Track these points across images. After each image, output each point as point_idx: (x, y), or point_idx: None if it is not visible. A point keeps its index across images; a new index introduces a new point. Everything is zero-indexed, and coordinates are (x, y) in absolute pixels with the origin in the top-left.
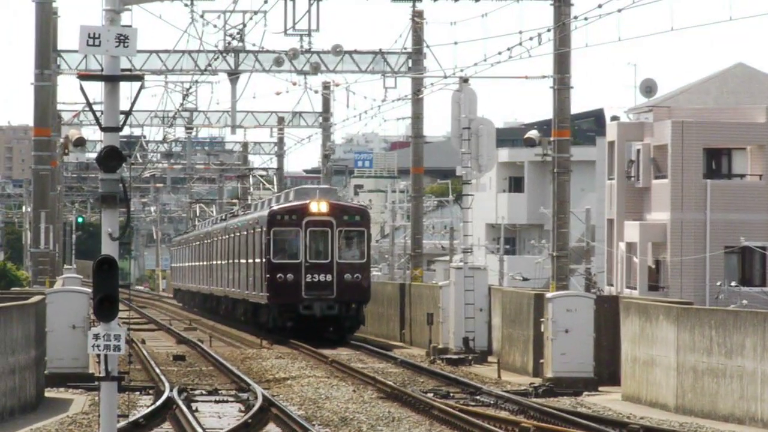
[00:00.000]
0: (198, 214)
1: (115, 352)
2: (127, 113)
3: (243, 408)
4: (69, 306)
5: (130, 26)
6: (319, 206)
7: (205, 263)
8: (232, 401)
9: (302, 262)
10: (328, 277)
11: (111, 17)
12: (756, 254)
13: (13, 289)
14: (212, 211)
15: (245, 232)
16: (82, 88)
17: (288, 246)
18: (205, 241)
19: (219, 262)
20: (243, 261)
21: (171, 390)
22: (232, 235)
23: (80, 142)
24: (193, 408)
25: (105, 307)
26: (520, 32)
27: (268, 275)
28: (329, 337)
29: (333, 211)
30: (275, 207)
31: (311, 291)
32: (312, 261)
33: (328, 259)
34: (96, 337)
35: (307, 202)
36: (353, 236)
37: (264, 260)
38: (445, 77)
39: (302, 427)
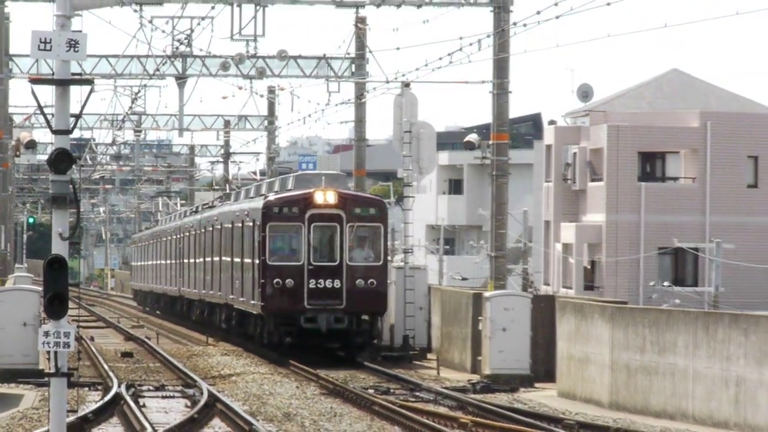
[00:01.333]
0: (160, 209)
1: (65, 349)
2: (77, 116)
3: (189, 403)
4: (20, 304)
5: (80, 31)
6: (325, 196)
7: (174, 262)
8: (178, 397)
9: (305, 264)
10: (337, 283)
11: (62, 22)
12: (689, 255)
13: None
14: (176, 205)
15: (230, 226)
16: (33, 92)
17: (287, 244)
18: (175, 237)
19: (192, 260)
20: (226, 259)
21: (119, 386)
22: (211, 228)
23: (31, 145)
24: (141, 403)
25: (55, 305)
26: (461, 38)
27: (262, 280)
28: (335, 354)
29: (342, 203)
30: (271, 197)
31: (315, 300)
32: (317, 263)
33: (336, 261)
34: (46, 334)
35: (311, 191)
36: (367, 233)
37: (258, 261)
38: (387, 82)
39: (246, 422)
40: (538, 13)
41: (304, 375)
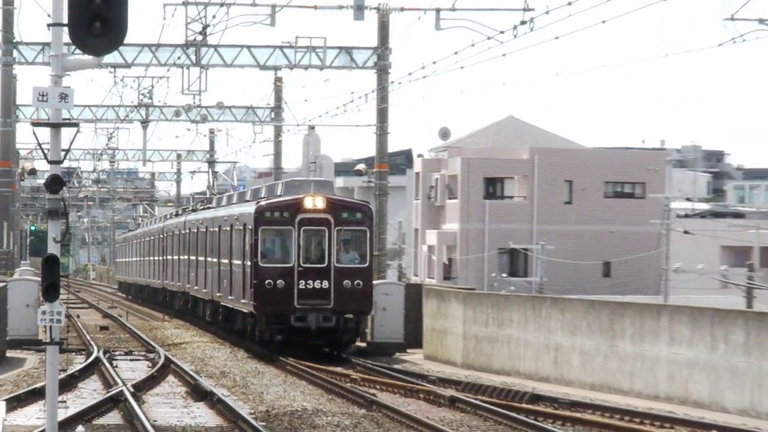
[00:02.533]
0: (141, 214)
1: (57, 324)
2: (67, 150)
3: (150, 364)
4: (24, 291)
5: (69, 87)
6: (314, 202)
7: (158, 258)
8: (142, 359)
9: (295, 266)
10: (325, 284)
11: (55, 80)
12: (520, 254)
13: None
14: (153, 211)
15: (216, 229)
16: (34, 132)
17: (278, 247)
18: (158, 237)
19: (176, 257)
20: (212, 260)
21: (98, 351)
22: (195, 231)
23: (33, 172)
24: (114, 365)
25: (50, 291)
26: (352, 92)
27: (255, 281)
28: (323, 351)
29: (331, 208)
30: (263, 202)
31: (305, 300)
32: (306, 265)
33: (324, 264)
34: (44, 312)
35: (301, 196)
36: (354, 237)
37: (250, 263)
38: (298, 125)
39: (192, 378)
40: (410, 74)
41: (235, 344)
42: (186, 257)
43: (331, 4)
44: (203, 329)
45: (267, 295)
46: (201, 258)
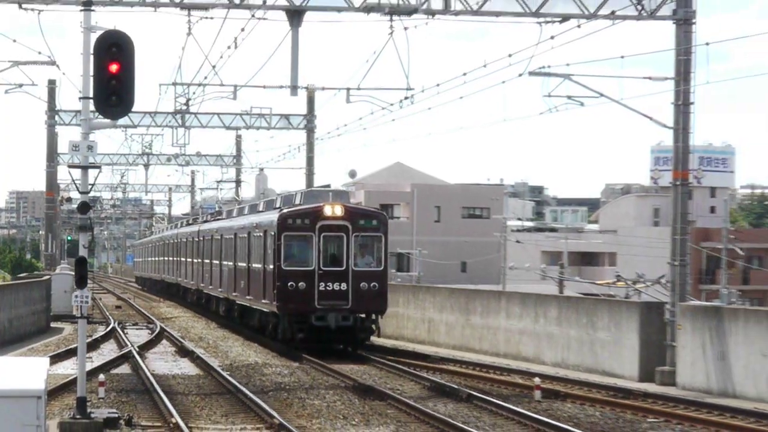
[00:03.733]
0: (153, 225)
1: (85, 304)
2: (92, 185)
3: (150, 333)
4: (63, 281)
5: (94, 141)
6: (333, 210)
7: (172, 259)
8: (144, 329)
9: (315, 269)
10: (343, 286)
11: (84, 136)
12: (404, 256)
13: (35, 272)
14: (165, 224)
15: (231, 236)
16: (70, 172)
17: (300, 252)
18: (172, 242)
19: (190, 259)
20: (228, 263)
21: (114, 323)
22: (209, 237)
23: (69, 200)
24: (125, 332)
25: (81, 281)
26: (289, 145)
27: (278, 283)
28: (340, 348)
29: (349, 215)
30: (285, 210)
31: (325, 301)
32: (326, 268)
33: (343, 267)
34: (76, 296)
35: (321, 205)
36: (370, 242)
37: (272, 267)
38: (252, 167)
39: (179, 340)
40: (329, 133)
41: (209, 317)
42: (199, 260)
43: (274, 84)
44: (187, 308)
45: (289, 296)
46: (215, 261)
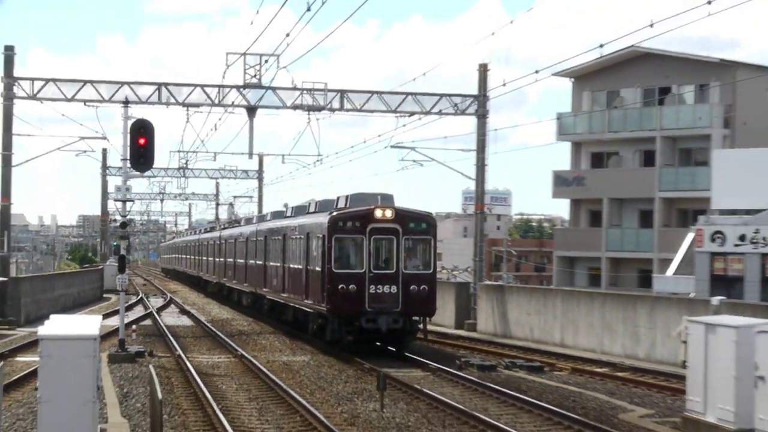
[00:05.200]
0: (176, 229)
1: (123, 283)
2: (128, 211)
3: (164, 301)
4: (111, 269)
5: (129, 185)
6: (384, 212)
7: (193, 257)
8: (160, 298)
9: (366, 272)
10: (393, 289)
11: (123, 180)
12: None
13: (94, 264)
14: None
15: (262, 238)
16: (115, 203)
17: (350, 254)
18: (195, 244)
19: (212, 258)
20: (256, 262)
21: (142, 294)
22: (233, 241)
23: (114, 221)
24: (149, 300)
25: (121, 269)
26: (247, 188)
27: (328, 285)
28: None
29: (399, 218)
30: (336, 213)
31: (375, 303)
32: (376, 271)
33: (393, 270)
34: (118, 278)
35: (372, 207)
36: (419, 245)
37: (323, 269)
38: (225, 202)
39: (182, 306)
40: (272, 181)
41: (199, 291)
42: (221, 258)
43: (238, 152)
44: (187, 286)
45: (340, 298)
46: (240, 260)
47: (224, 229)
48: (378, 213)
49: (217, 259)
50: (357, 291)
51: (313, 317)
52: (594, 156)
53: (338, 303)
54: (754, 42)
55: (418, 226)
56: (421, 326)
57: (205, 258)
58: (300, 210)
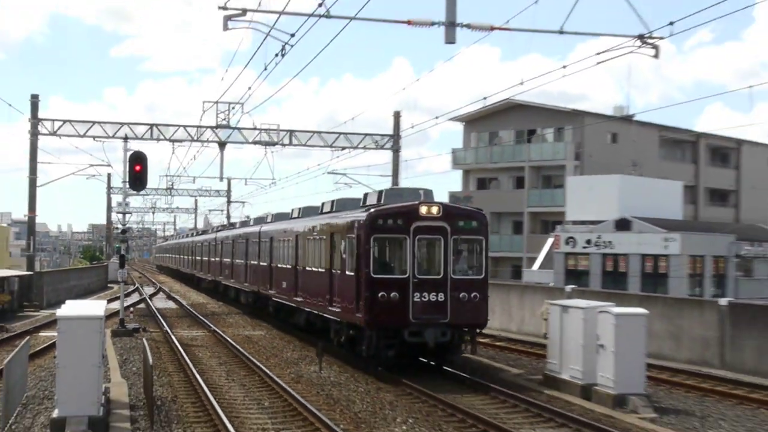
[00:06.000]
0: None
1: (123, 275)
2: (127, 222)
3: (154, 289)
4: (113, 265)
5: (128, 201)
6: (430, 209)
7: (188, 257)
8: (151, 287)
9: (410, 277)
10: (441, 297)
11: (123, 197)
12: None
13: (100, 261)
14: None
15: (281, 240)
16: (117, 215)
17: (391, 257)
18: (188, 245)
19: (207, 258)
20: (257, 263)
21: (137, 285)
22: (230, 242)
23: (116, 228)
24: (143, 288)
25: (122, 265)
26: (219, 205)
27: (366, 293)
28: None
29: (447, 216)
30: (374, 210)
31: (420, 313)
32: (421, 276)
33: (440, 275)
34: (120, 272)
35: (416, 203)
36: (469, 246)
37: (359, 274)
38: (203, 213)
39: (169, 293)
40: (237, 201)
41: (187, 282)
42: (215, 258)
43: (212, 176)
44: (173, 278)
45: (380, 308)
46: (239, 261)
47: (219, 230)
48: (423, 209)
49: (212, 259)
50: (400, 299)
51: (339, 328)
52: (479, 181)
53: (378, 313)
54: (598, 96)
55: (468, 225)
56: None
57: (200, 258)
58: (310, 211)
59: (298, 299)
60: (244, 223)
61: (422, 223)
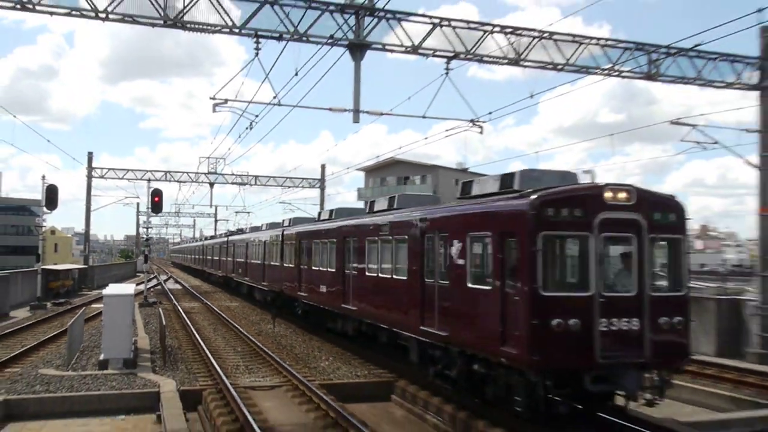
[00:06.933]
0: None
1: (146, 266)
2: (149, 234)
3: (167, 277)
4: (140, 261)
5: (150, 221)
6: (617, 194)
7: (200, 257)
8: (165, 276)
9: (595, 296)
10: (635, 324)
11: (147, 219)
12: None
13: (130, 258)
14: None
15: (294, 242)
16: (144, 230)
17: (567, 265)
18: (201, 247)
19: (223, 258)
20: (276, 263)
21: (156, 274)
22: (244, 244)
23: (143, 237)
24: (159, 276)
25: (145, 260)
26: (201, 223)
27: (534, 321)
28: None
29: (641, 204)
30: (542, 194)
31: (611, 350)
32: (610, 294)
33: (634, 291)
34: (144, 266)
35: (600, 185)
36: (668, 249)
37: (519, 290)
38: (198, 229)
39: (177, 279)
40: (225, 219)
41: (183, 272)
42: (226, 258)
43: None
44: (180, 269)
45: (554, 342)
46: (254, 261)
47: (229, 236)
48: (608, 195)
49: (223, 258)
50: (582, 329)
51: (445, 356)
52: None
53: (551, 350)
54: (447, 156)
55: (665, 218)
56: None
57: (209, 257)
58: (340, 213)
59: (350, 307)
60: (255, 228)
61: (610, 214)
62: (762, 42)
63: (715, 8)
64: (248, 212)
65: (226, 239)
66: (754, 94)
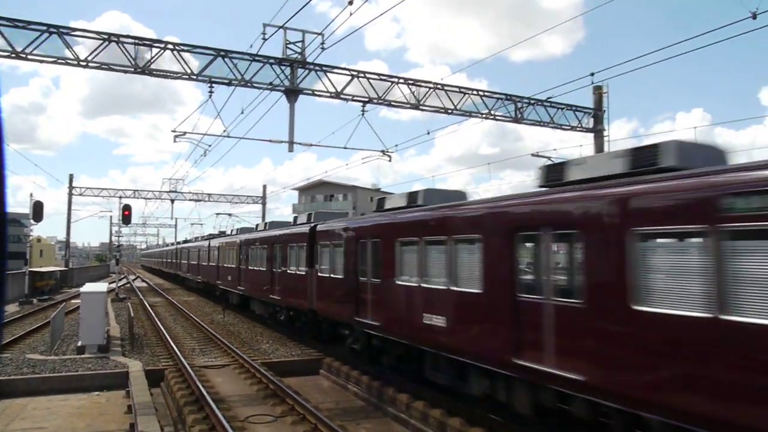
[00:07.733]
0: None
1: (117, 268)
2: (120, 242)
3: (135, 277)
4: (113, 264)
5: (121, 230)
6: None
7: (174, 261)
8: (135, 279)
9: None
10: None
11: (118, 228)
12: None
13: (104, 262)
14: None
15: (264, 246)
16: (116, 238)
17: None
18: (175, 251)
19: (202, 263)
20: (257, 268)
21: (127, 275)
22: (217, 248)
23: (115, 245)
24: (128, 276)
25: (116, 264)
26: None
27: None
28: None
29: None
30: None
31: None
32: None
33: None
34: (116, 268)
35: None
36: None
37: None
38: (180, 234)
39: (144, 279)
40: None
41: (151, 273)
42: (205, 263)
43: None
44: (150, 272)
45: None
46: (243, 266)
47: (207, 239)
48: None
49: (202, 263)
50: None
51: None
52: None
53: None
54: (364, 179)
55: None
56: None
57: (184, 261)
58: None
59: (276, 297)
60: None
61: None
62: (594, 98)
63: (562, 69)
64: (202, 224)
65: (176, 248)
66: (591, 136)
